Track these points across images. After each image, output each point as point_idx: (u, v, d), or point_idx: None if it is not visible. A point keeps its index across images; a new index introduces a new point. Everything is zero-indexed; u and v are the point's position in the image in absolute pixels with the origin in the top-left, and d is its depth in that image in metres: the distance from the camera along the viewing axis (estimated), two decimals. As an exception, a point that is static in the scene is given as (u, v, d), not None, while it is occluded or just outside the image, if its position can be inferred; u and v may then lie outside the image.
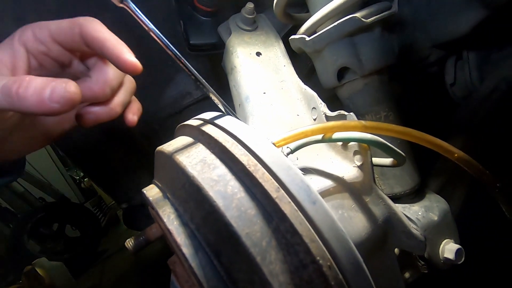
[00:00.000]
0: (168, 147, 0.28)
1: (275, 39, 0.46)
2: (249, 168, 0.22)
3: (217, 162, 0.24)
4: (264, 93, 0.41)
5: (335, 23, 0.33)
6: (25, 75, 0.28)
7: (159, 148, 0.30)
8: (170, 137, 0.33)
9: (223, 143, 0.24)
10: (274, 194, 0.21)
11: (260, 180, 0.21)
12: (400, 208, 0.39)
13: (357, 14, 0.33)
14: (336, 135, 0.31)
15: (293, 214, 0.20)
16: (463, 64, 0.56)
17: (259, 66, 0.43)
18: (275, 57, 0.45)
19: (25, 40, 0.31)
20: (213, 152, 0.25)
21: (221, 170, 0.23)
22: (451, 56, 0.56)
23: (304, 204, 0.20)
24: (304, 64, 0.57)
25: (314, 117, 0.39)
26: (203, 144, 0.26)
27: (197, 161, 0.24)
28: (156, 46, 0.26)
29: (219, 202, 0.21)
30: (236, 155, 0.23)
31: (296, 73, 0.44)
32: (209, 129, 0.26)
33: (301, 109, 0.41)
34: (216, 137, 0.25)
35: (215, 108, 0.30)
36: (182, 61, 0.27)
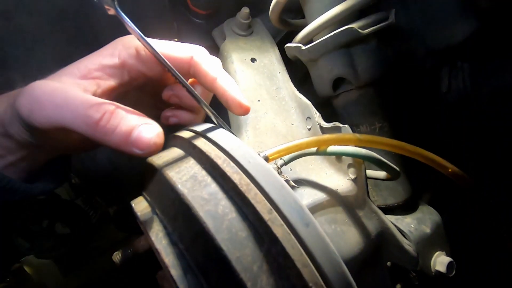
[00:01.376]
0: (158, 159, 0.27)
1: (271, 45, 0.46)
2: (241, 188, 0.21)
3: (208, 179, 0.23)
4: (259, 101, 0.40)
5: (331, 34, 0.33)
6: (110, 102, 0.25)
7: (149, 159, 0.29)
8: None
9: (215, 160, 0.23)
10: (266, 216, 0.20)
11: (252, 201, 0.20)
12: (393, 220, 0.39)
13: (354, 25, 0.32)
14: (331, 148, 0.30)
15: (285, 237, 0.20)
16: (457, 73, 0.56)
17: (253, 73, 0.42)
18: (270, 63, 0.44)
19: (126, 58, 0.29)
20: (205, 168, 0.24)
21: (212, 188, 0.22)
22: (446, 64, 0.56)
23: (297, 227, 0.20)
24: (299, 69, 0.57)
25: (309, 127, 0.39)
26: (194, 159, 0.25)
27: (187, 178, 0.23)
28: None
29: (209, 223, 0.20)
30: (228, 173, 0.22)
31: (291, 80, 0.44)
32: (200, 143, 0.25)
33: (296, 118, 0.40)
34: (207, 153, 0.24)
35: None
36: (173, 70, 0.26)
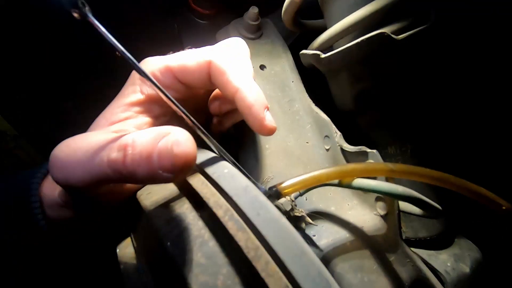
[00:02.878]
0: (147, 197, 0.22)
1: (283, 50, 0.40)
2: (247, 254, 0.16)
3: (206, 234, 0.18)
4: (269, 115, 0.35)
5: (358, 40, 0.27)
6: (128, 135, 0.19)
7: (138, 194, 0.24)
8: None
9: (214, 209, 0.18)
10: (281, 297, 0.15)
11: (263, 274, 0.15)
12: (425, 256, 0.33)
13: (386, 29, 0.27)
14: (357, 182, 0.25)
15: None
16: None
17: (263, 82, 0.37)
18: (282, 71, 0.39)
19: (149, 91, 0.26)
20: (202, 217, 0.19)
21: (211, 247, 0.17)
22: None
23: (323, 312, 0.15)
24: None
25: (327, 147, 0.33)
26: (190, 202, 0.20)
27: (179, 231, 0.18)
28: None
29: (206, 302, 0.15)
30: (231, 231, 0.17)
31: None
32: (197, 182, 0.20)
33: (312, 136, 0.35)
34: (205, 198, 0.19)
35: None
36: (161, 89, 0.21)
